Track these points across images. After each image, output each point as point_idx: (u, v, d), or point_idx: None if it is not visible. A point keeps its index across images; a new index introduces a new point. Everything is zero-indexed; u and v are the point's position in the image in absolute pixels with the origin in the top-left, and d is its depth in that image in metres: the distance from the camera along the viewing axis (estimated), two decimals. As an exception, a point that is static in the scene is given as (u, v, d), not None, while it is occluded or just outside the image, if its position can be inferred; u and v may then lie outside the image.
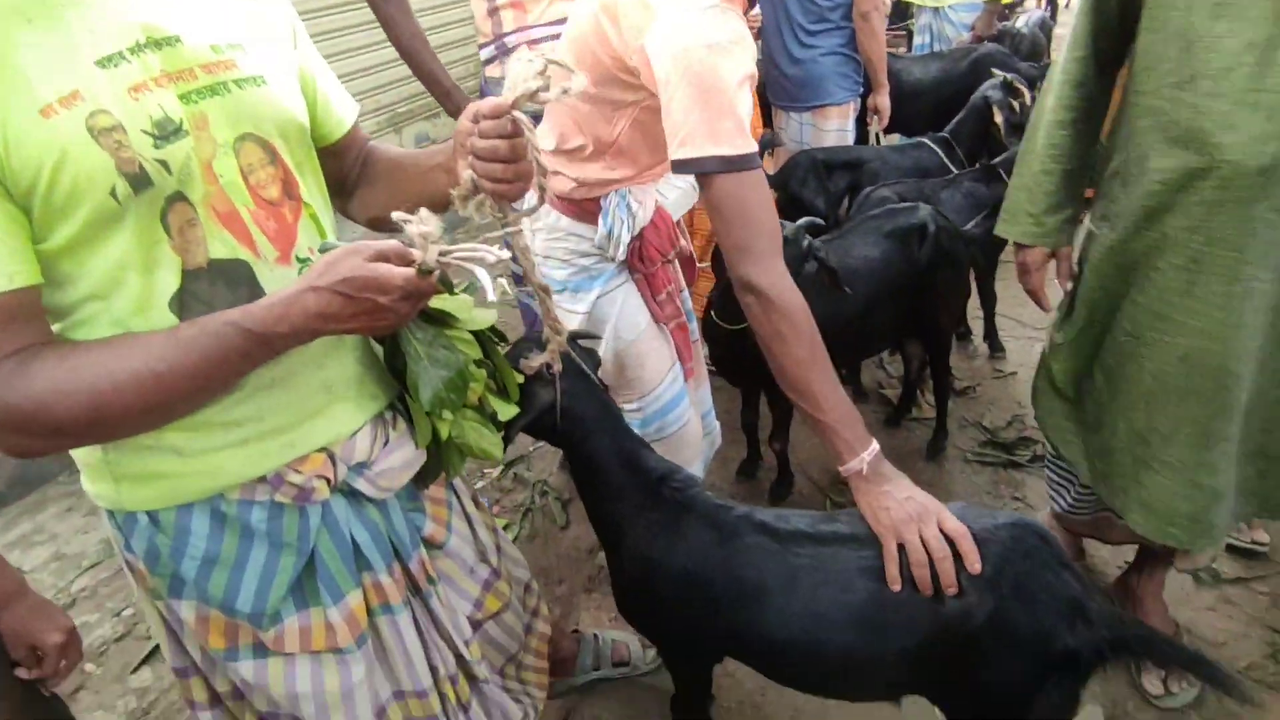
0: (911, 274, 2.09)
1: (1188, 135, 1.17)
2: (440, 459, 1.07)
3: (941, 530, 1.09)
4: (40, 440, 0.80)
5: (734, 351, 1.94)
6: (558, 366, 1.19)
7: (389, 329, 0.89)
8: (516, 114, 0.86)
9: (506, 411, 1.11)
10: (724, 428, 2.57)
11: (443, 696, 1.15)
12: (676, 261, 1.69)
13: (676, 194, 1.63)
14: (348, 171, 1.11)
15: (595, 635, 1.78)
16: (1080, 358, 1.48)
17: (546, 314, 1.07)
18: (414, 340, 0.94)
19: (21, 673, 1.08)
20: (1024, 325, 3.01)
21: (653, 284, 1.60)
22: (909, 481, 1.18)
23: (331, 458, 0.98)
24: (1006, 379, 2.77)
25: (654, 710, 1.71)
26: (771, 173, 2.76)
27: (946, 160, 2.61)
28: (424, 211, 0.88)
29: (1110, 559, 1.97)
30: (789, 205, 2.64)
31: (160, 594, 0.98)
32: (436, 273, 0.85)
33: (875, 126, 2.99)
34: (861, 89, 2.92)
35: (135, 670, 2.04)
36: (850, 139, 2.95)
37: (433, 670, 1.13)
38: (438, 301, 0.99)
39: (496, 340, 1.12)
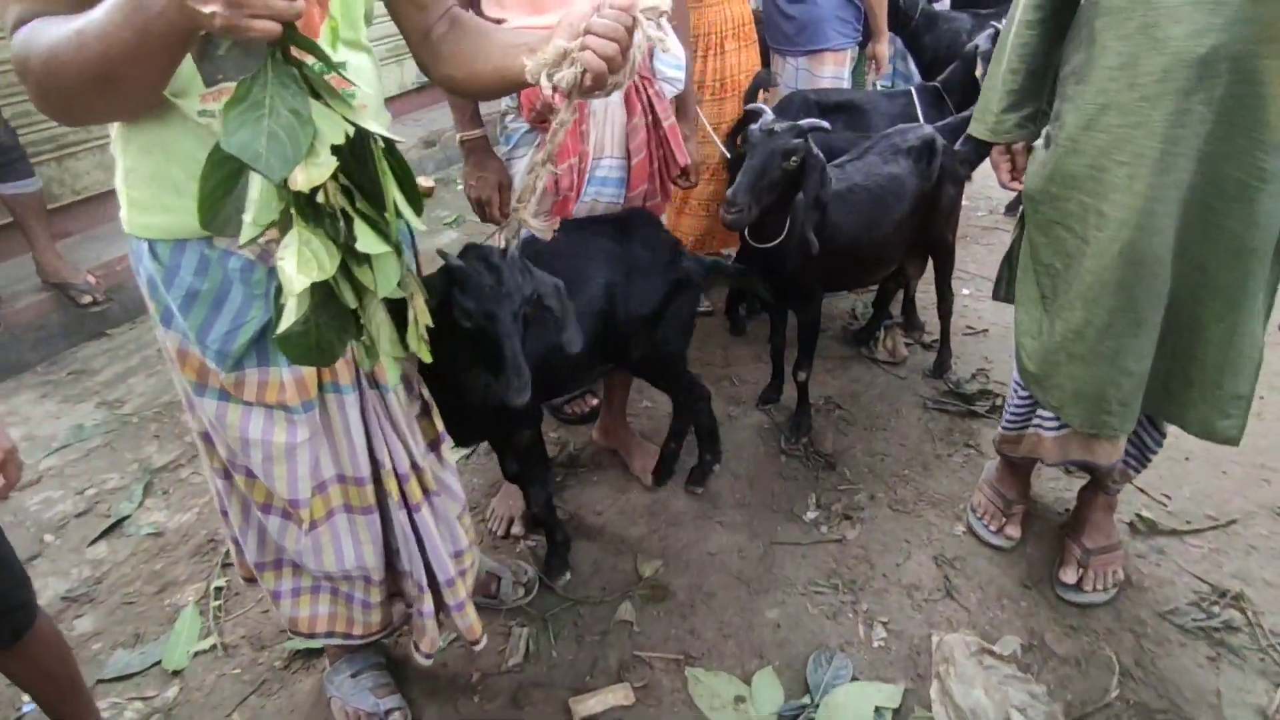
0: (925, 188, 2.16)
1: (1140, 29, 1.21)
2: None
3: None
4: (47, 102, 0.85)
5: (766, 271, 2.00)
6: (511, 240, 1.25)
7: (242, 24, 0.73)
8: (639, 14, 0.93)
9: (374, 244, 0.91)
10: (744, 357, 2.64)
11: (386, 491, 1.27)
12: (591, 138, 1.68)
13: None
14: (432, 25, 1.15)
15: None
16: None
17: (532, 181, 1.13)
18: (275, 89, 0.78)
19: None
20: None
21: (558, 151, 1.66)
22: None
23: None
24: (978, 335, 2.78)
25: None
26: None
27: (925, 109, 2.59)
28: None
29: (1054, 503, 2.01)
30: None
31: (156, 320, 1.13)
32: None
33: (873, 76, 2.95)
34: (860, 36, 2.88)
35: (92, 543, 2.09)
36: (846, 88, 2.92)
37: (376, 462, 1.25)
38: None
39: (387, 150, 0.93)
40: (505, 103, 1.65)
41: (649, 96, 1.68)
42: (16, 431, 2.58)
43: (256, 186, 0.85)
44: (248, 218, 0.86)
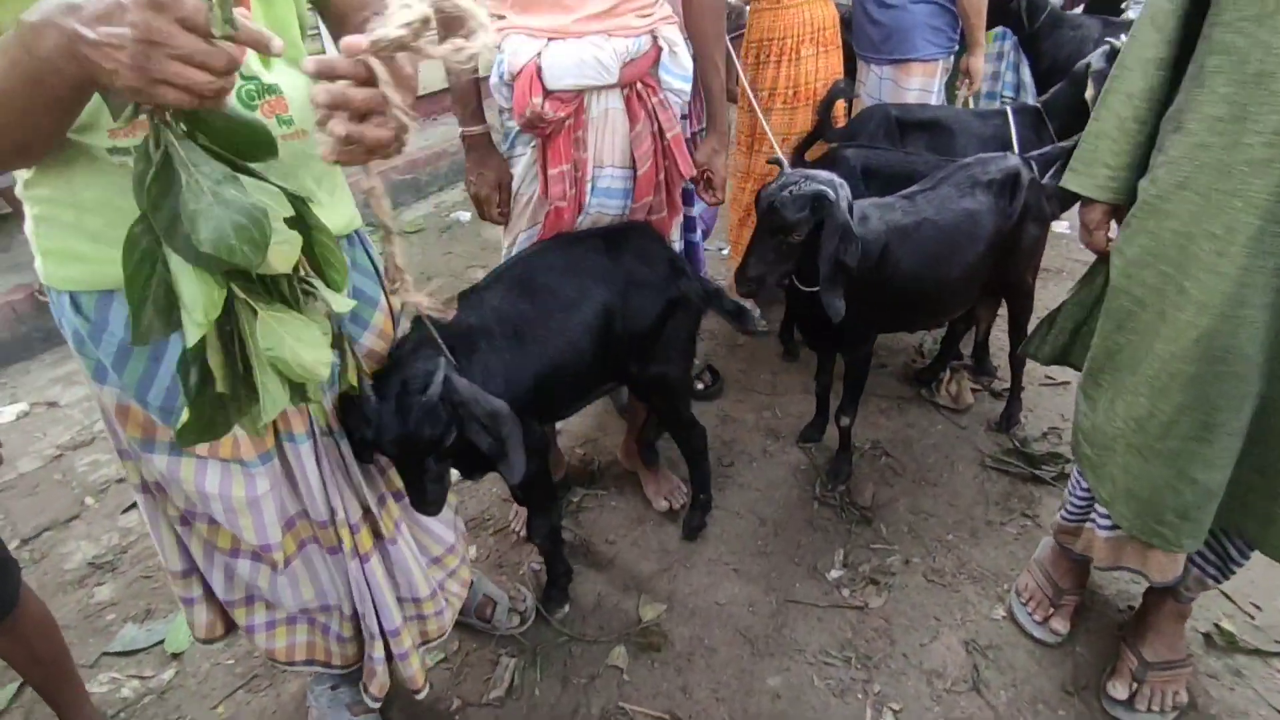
0: (1004, 227, 1.94)
1: (1255, 78, 1.00)
2: (232, 382, 0.78)
3: None
4: None
5: (812, 313, 1.84)
6: (401, 324, 1.19)
7: (132, 73, 0.62)
8: (371, 59, 0.69)
9: (339, 301, 0.85)
10: (792, 386, 2.50)
11: (340, 539, 1.22)
12: (590, 146, 1.58)
13: (570, 62, 1.49)
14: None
15: (471, 580, 1.75)
16: (1087, 316, 1.40)
17: (389, 260, 0.86)
18: (194, 168, 0.68)
19: None
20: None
21: (548, 154, 1.55)
22: None
23: None
24: (1056, 387, 2.50)
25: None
26: (840, 125, 2.54)
27: (1021, 134, 2.32)
28: None
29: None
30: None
31: (88, 376, 1.04)
32: (239, 33, 0.65)
33: (964, 92, 2.69)
34: (955, 47, 2.63)
35: (125, 511, 2.17)
36: (934, 103, 2.67)
37: (332, 509, 1.19)
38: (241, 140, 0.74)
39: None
40: (500, 101, 1.57)
41: (653, 105, 1.57)
42: (81, 390, 2.72)
43: (190, 279, 0.72)
44: (194, 316, 0.73)
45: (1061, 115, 2.34)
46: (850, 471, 2.13)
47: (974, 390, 2.44)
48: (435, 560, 1.45)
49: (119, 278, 0.89)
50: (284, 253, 0.75)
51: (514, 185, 1.67)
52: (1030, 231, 1.98)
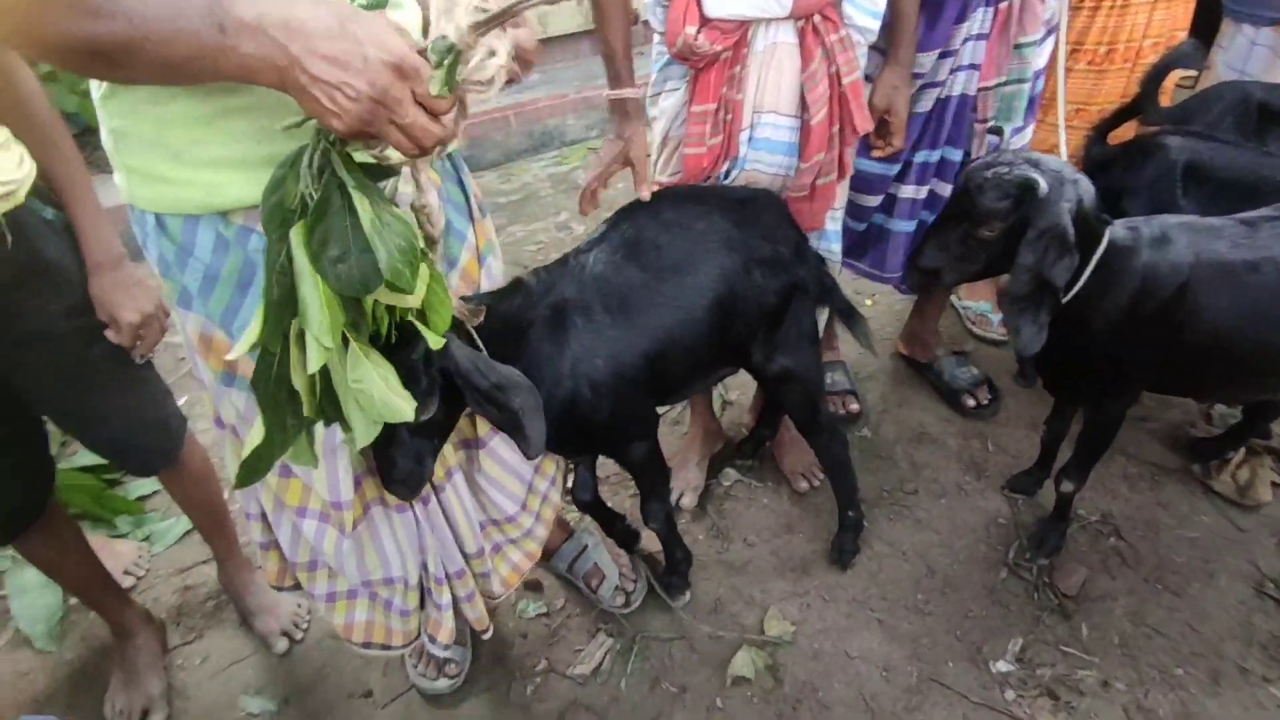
0: None
1: None
2: (316, 407, 0.81)
3: None
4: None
5: (1060, 357, 1.46)
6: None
7: (351, 122, 0.66)
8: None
9: (435, 340, 0.87)
10: (1015, 418, 2.12)
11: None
12: (749, 86, 1.37)
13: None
14: None
15: (587, 544, 1.69)
16: None
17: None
18: (362, 193, 0.71)
19: (110, 334, 1.23)
20: None
21: (696, 89, 1.36)
22: None
23: None
24: None
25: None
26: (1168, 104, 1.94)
27: None
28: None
29: None
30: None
31: (173, 302, 1.02)
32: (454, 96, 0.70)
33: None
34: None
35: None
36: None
37: None
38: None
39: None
40: (654, 23, 1.36)
41: (831, 43, 1.29)
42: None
43: (317, 305, 0.72)
44: (322, 340, 0.73)
45: None
46: (1060, 546, 1.71)
47: (1275, 485, 1.83)
48: (493, 522, 1.37)
49: (202, 203, 0.86)
50: (420, 287, 0.78)
51: (661, 128, 1.47)
52: None
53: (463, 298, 1.11)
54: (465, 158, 1.18)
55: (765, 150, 1.41)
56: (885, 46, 1.54)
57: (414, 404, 0.81)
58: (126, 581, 1.81)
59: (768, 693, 1.50)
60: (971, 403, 2.09)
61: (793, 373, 1.46)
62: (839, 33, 1.34)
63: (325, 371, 0.78)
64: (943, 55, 1.66)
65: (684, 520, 1.87)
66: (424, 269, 0.80)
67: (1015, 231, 1.23)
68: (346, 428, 0.84)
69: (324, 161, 0.70)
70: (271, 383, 0.77)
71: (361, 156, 0.74)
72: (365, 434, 0.82)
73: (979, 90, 1.75)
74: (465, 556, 1.34)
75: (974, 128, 1.84)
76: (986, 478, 1.93)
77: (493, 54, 0.69)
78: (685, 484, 1.91)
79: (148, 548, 1.93)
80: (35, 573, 1.69)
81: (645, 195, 1.33)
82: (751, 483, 1.97)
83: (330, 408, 0.81)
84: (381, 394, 0.78)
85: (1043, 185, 1.20)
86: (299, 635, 1.68)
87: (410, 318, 0.87)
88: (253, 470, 0.81)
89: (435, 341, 0.86)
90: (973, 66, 1.70)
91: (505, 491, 1.34)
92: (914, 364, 2.23)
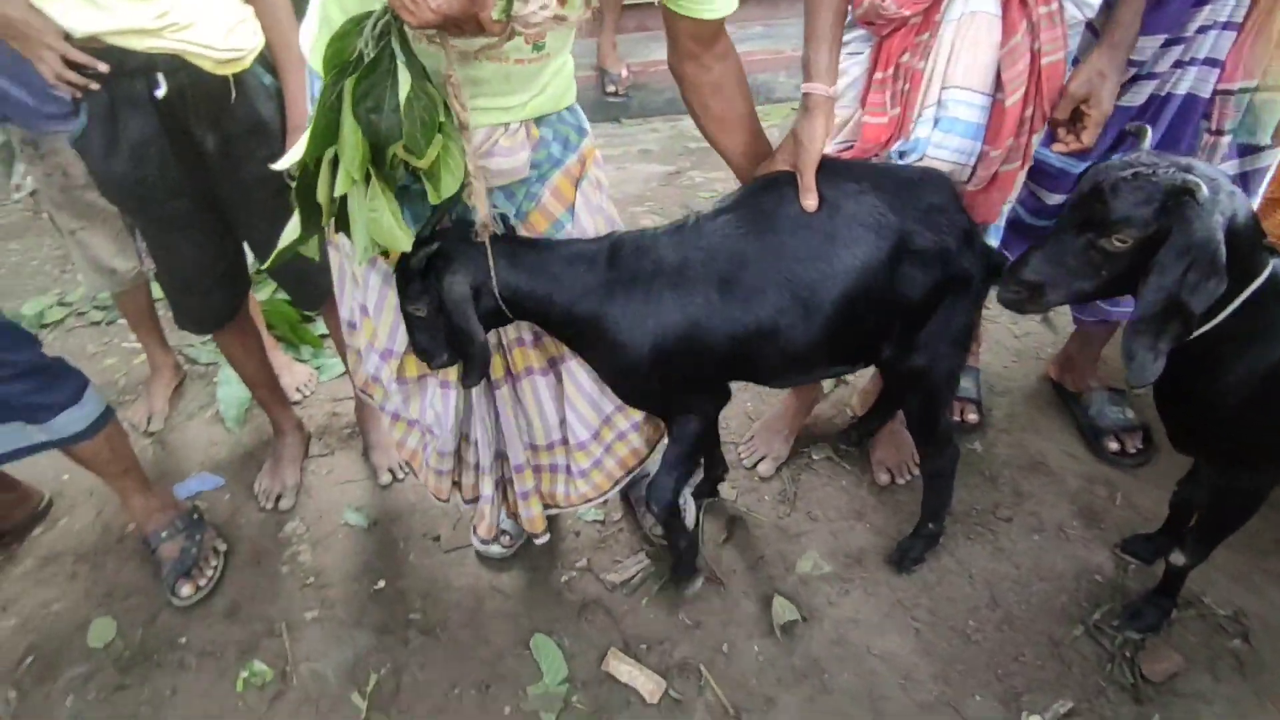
0: None
1: None
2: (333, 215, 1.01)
3: None
4: None
5: (1178, 386, 1.21)
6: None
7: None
8: None
9: (433, 195, 1.00)
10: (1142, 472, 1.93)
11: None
12: (930, 55, 1.26)
13: None
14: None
15: (650, 473, 1.70)
16: None
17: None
18: (409, 67, 0.87)
19: None
20: None
21: (883, 53, 1.28)
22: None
23: None
24: None
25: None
26: None
27: None
28: None
29: None
30: None
31: None
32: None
33: None
34: None
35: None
36: None
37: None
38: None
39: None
40: None
41: (1039, 17, 1.16)
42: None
43: (352, 144, 0.90)
44: (351, 170, 0.92)
45: None
46: (1158, 626, 1.50)
47: None
48: (563, 442, 1.46)
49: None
50: (430, 154, 0.92)
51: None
52: None
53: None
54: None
55: (948, 131, 1.27)
56: (1100, 24, 1.37)
57: (412, 236, 1.00)
58: (295, 396, 2.20)
59: (776, 656, 1.51)
60: (1115, 447, 1.85)
61: (928, 375, 1.34)
62: (1050, 5, 1.20)
63: (344, 197, 0.96)
64: (1168, 43, 1.43)
65: (754, 480, 1.89)
66: (441, 140, 0.93)
67: (1152, 245, 1.07)
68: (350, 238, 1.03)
69: (385, 30, 0.84)
70: (306, 191, 0.97)
71: (420, 49, 0.87)
72: (363, 253, 1.00)
73: (1216, 93, 1.50)
74: (534, 449, 1.45)
75: (1203, 138, 1.58)
76: (1099, 529, 1.72)
77: (544, 6, 0.81)
78: (769, 451, 1.90)
79: (317, 375, 2.32)
80: (236, 370, 2.12)
81: (810, 206, 1.18)
82: (839, 463, 1.93)
83: (343, 222, 1.00)
84: (388, 223, 0.95)
85: (1204, 190, 1.02)
86: (401, 475, 1.95)
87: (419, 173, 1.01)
88: (283, 254, 1.05)
89: (432, 195, 1.00)
90: (1211, 62, 1.46)
91: (580, 417, 1.40)
92: (1062, 392, 2.01)
